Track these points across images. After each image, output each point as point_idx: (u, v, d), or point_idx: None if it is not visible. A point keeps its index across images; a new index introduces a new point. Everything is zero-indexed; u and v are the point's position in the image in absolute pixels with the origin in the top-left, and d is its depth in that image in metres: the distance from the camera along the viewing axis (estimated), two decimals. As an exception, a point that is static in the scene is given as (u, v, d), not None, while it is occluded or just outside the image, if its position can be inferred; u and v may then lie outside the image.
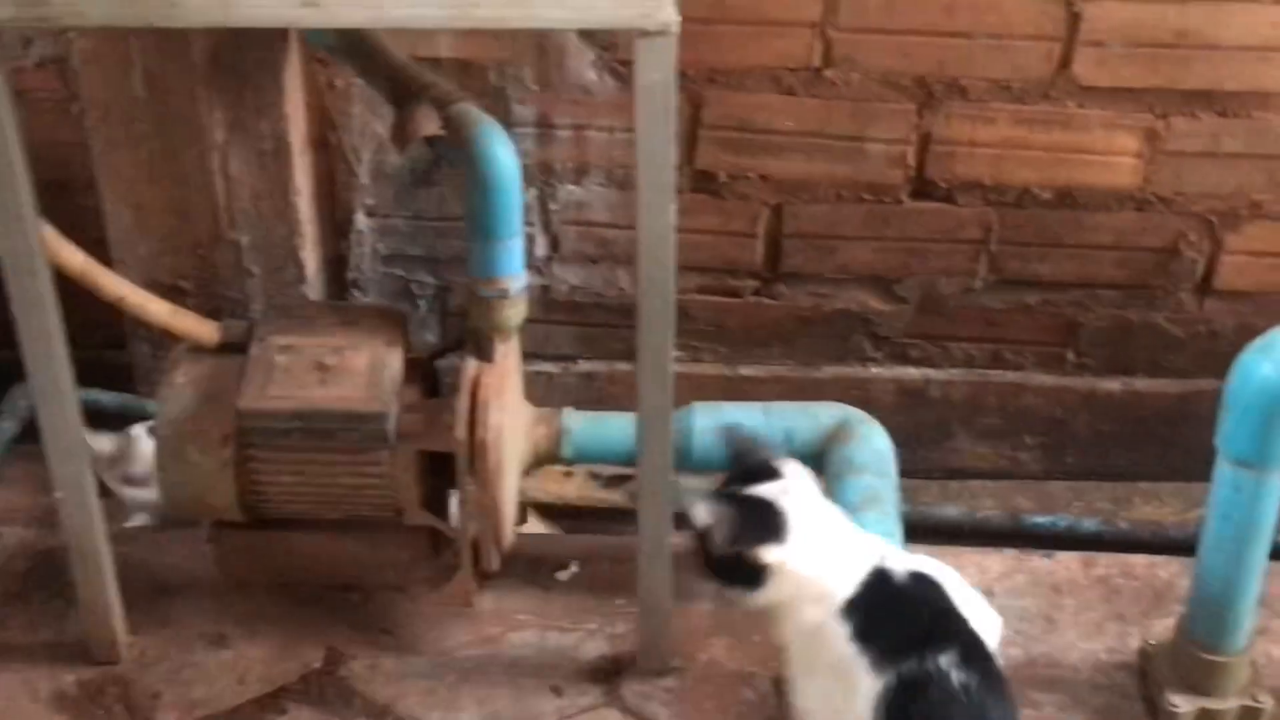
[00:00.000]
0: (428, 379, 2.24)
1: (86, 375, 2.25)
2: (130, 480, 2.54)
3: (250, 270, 2.45)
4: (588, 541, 2.47)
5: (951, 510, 2.57)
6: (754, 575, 1.76)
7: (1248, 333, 2.46)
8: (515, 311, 2.13)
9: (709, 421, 2.21)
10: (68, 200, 2.20)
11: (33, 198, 1.82)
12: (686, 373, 2.55)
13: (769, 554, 1.74)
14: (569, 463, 2.30)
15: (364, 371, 2.13)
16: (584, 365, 2.64)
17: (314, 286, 2.49)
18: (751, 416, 2.23)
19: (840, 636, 1.74)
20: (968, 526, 2.53)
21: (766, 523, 1.75)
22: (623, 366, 2.61)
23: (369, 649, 2.27)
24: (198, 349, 2.19)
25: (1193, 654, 2.14)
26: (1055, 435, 2.65)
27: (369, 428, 2.10)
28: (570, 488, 2.65)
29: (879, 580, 1.77)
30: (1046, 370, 2.61)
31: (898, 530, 2.10)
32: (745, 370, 2.62)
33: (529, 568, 2.39)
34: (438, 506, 2.24)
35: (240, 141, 2.33)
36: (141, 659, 2.25)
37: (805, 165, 2.43)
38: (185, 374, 2.17)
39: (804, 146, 2.41)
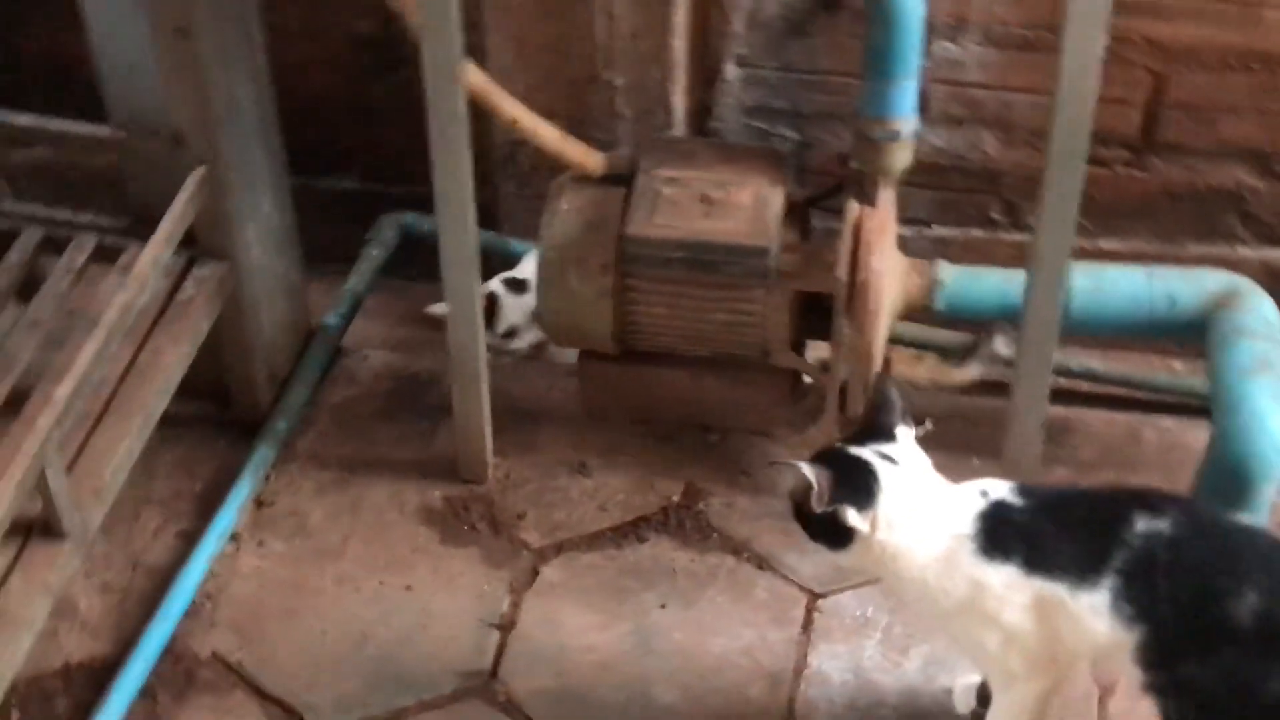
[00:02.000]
0: (803, 222, 2.24)
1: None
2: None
3: (621, 113, 2.48)
4: (946, 402, 2.45)
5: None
6: (841, 536, 1.74)
7: None
8: (903, 155, 2.12)
9: (1089, 282, 2.17)
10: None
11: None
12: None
13: (853, 518, 1.72)
14: (939, 315, 2.27)
15: (748, 206, 2.14)
16: (938, 230, 2.61)
17: (679, 133, 2.51)
18: (1133, 278, 2.20)
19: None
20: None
21: (858, 486, 1.73)
22: (977, 233, 2.58)
23: (726, 488, 2.30)
24: (581, 178, 2.23)
25: None
26: None
27: (752, 262, 2.12)
28: (921, 370, 2.63)
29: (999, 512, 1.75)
30: None
31: (1285, 394, 2.04)
32: (1105, 244, 2.56)
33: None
34: (800, 352, 2.26)
35: (628, -21, 2.35)
36: (506, 480, 2.31)
37: (1194, 30, 2.35)
38: (569, 201, 2.21)
39: (1194, 10, 2.34)
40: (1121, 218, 2.54)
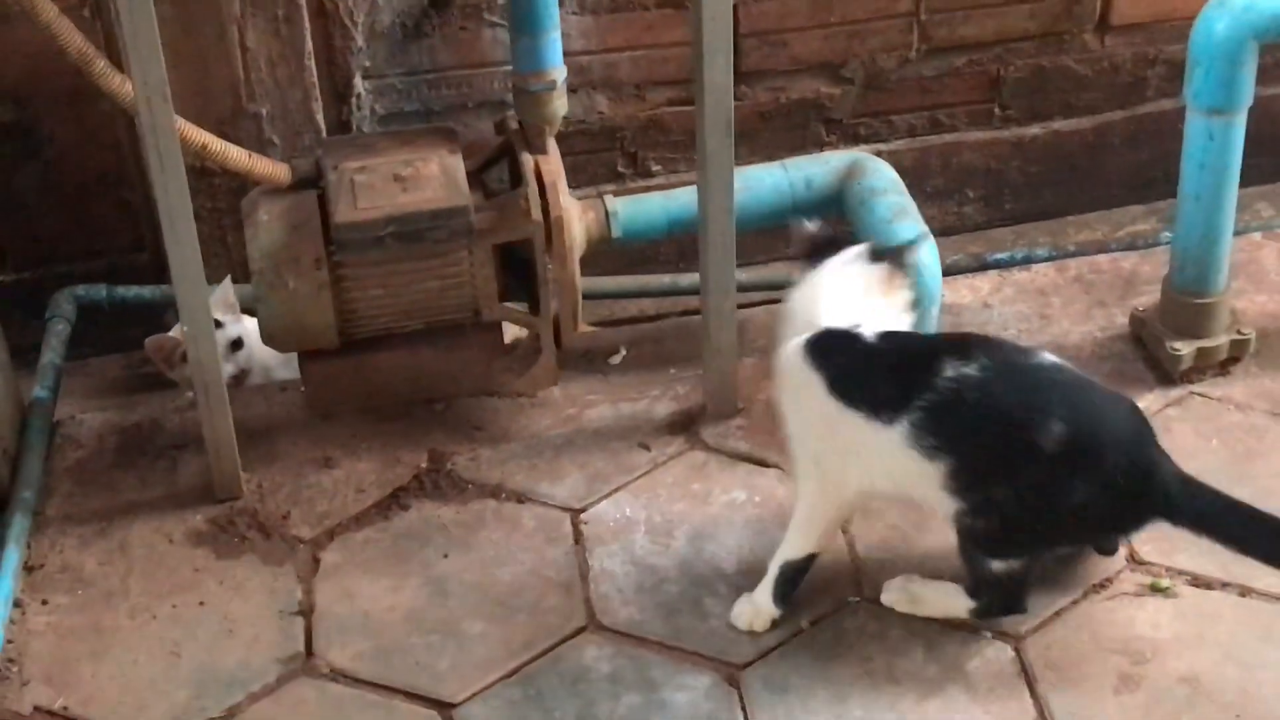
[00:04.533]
0: (485, 186, 2.45)
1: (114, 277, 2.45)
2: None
3: (271, 139, 2.63)
4: (629, 330, 2.71)
5: (923, 260, 2.88)
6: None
7: (1144, 62, 2.85)
8: (562, 102, 2.37)
9: (740, 183, 2.45)
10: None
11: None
12: (667, 184, 2.80)
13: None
14: (619, 244, 2.52)
15: (438, 176, 2.34)
16: (575, 194, 2.86)
17: (326, 151, 2.67)
18: (772, 171, 2.51)
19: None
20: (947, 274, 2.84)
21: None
22: (609, 188, 2.85)
23: (467, 445, 2.48)
24: (272, 191, 2.37)
25: (1182, 302, 2.49)
26: (992, 186, 2.99)
27: (456, 222, 2.32)
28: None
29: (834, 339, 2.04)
30: (978, 127, 2.94)
31: (929, 234, 2.39)
32: (718, 172, 2.88)
33: (582, 361, 2.62)
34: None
35: (256, 12, 2.51)
36: (261, 490, 2.42)
37: (756, -37, 2.71)
38: (268, 211, 2.35)
39: (754, -53, 2.69)
40: (727, 144, 2.87)
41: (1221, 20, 2.27)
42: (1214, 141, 2.34)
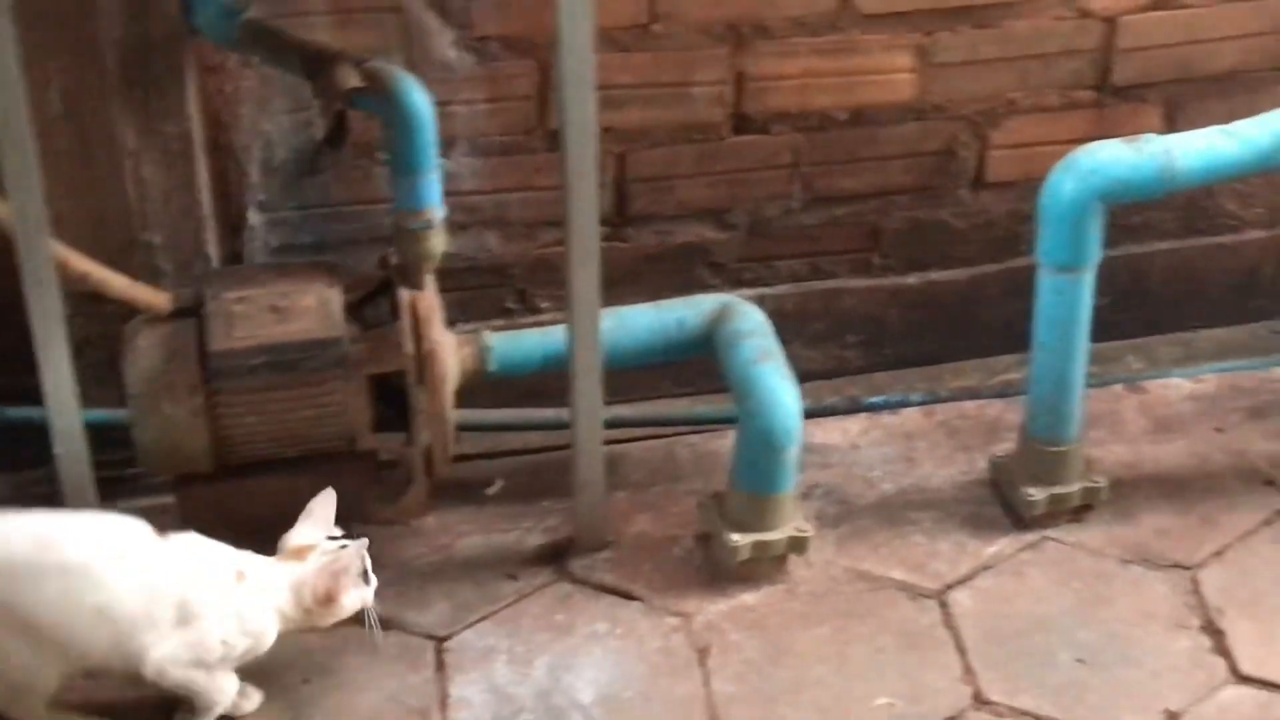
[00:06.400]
0: (362, 319, 2.52)
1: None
2: None
3: (163, 269, 2.69)
4: (508, 462, 2.78)
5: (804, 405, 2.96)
6: None
7: (1017, 218, 2.96)
8: (439, 240, 2.45)
9: (612, 322, 2.54)
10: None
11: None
12: (555, 320, 2.88)
13: None
14: (494, 378, 2.59)
15: (314, 307, 2.41)
16: (464, 328, 2.94)
17: (218, 280, 2.74)
18: (646, 312, 2.60)
19: None
20: (819, 414, 2.92)
21: None
22: (499, 323, 2.93)
23: (337, 571, 2.53)
24: (152, 319, 2.44)
25: (1037, 449, 2.57)
26: (872, 331, 3.08)
27: (328, 352, 2.38)
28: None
29: None
30: (858, 275, 3.03)
31: (792, 376, 2.47)
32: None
33: (459, 491, 2.68)
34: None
35: (150, 146, 2.59)
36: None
37: (641, 114, 2.81)
38: (146, 339, 2.42)
39: (639, 97, 2.79)
40: (613, 285, 2.93)
41: (1068, 182, 2.38)
42: (1062, 297, 2.44)
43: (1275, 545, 2.55)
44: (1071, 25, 2.86)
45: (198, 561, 2.24)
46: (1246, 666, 2.35)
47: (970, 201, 3.00)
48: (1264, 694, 2.31)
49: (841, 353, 3.09)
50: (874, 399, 2.96)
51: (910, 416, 2.84)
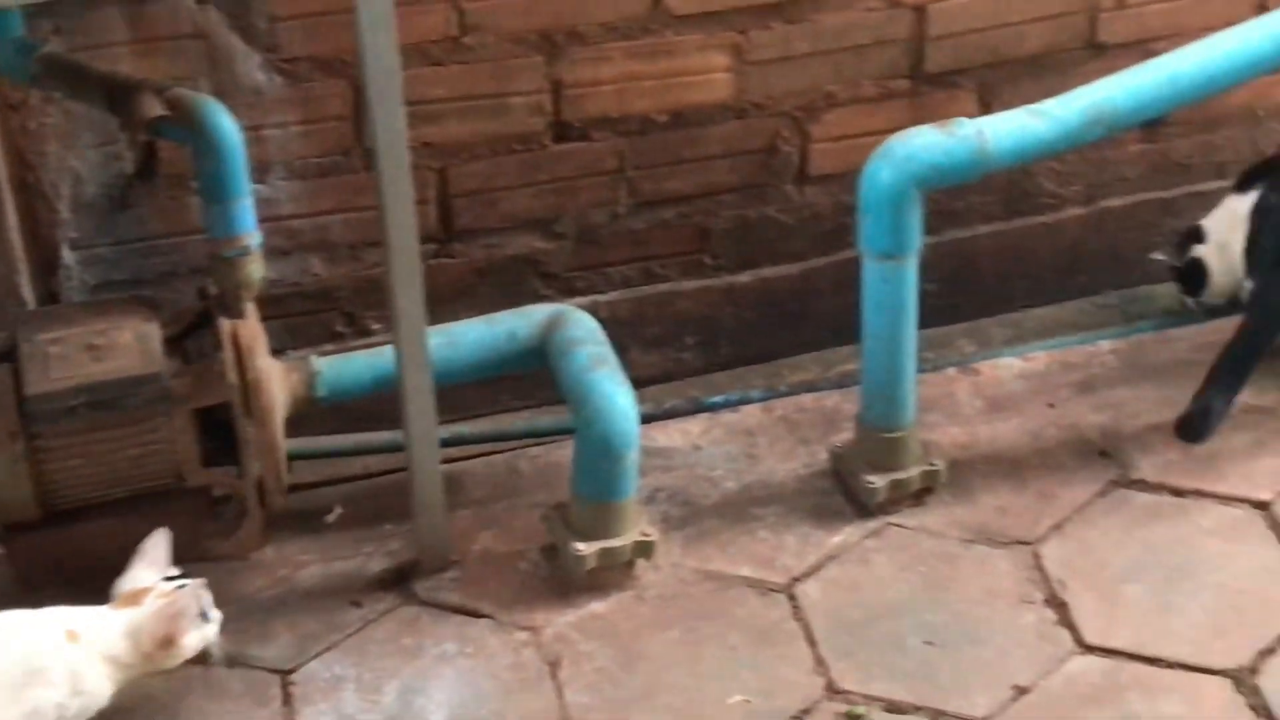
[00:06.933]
0: (184, 353, 2.47)
1: None
2: None
3: (-26, 313, 2.62)
4: (344, 487, 2.73)
5: (643, 409, 2.95)
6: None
7: (843, 210, 2.98)
8: (257, 267, 2.40)
9: (443, 339, 2.51)
10: None
11: None
12: (387, 340, 2.84)
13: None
14: (326, 403, 2.55)
15: (132, 344, 2.36)
16: (294, 355, 2.89)
17: (35, 323, 2.67)
18: (477, 326, 2.57)
19: None
20: (659, 417, 2.91)
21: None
22: (329, 348, 2.88)
23: (175, 611, 2.47)
24: (-37, 367, 2.37)
25: (874, 437, 2.59)
26: (708, 332, 3.08)
27: (149, 388, 2.33)
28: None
29: None
30: (691, 276, 3.03)
31: (627, 381, 2.46)
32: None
33: (297, 521, 2.63)
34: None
35: (-46, 187, 2.52)
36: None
37: (460, 127, 2.78)
38: (-41, 388, 2.34)
39: (457, 111, 2.77)
40: (445, 302, 2.91)
41: (885, 171, 2.39)
42: (888, 284, 2.45)
43: (1112, 516, 2.58)
44: (882, 16, 2.88)
45: (24, 634, 2.15)
46: (1091, 636, 2.38)
47: (796, 196, 3.01)
48: (1109, 662, 2.34)
49: (679, 355, 3.09)
50: (713, 398, 2.95)
51: (750, 413, 2.84)
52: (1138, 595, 2.44)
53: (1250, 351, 2.64)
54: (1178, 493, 2.62)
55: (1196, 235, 2.92)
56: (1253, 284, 2.77)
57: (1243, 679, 2.30)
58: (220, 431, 2.45)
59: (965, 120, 2.44)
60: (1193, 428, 2.61)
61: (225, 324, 2.39)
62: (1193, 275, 2.93)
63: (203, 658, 2.26)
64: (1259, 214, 2.79)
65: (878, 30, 2.89)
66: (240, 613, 2.45)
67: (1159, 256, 3.00)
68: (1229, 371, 2.62)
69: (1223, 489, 2.62)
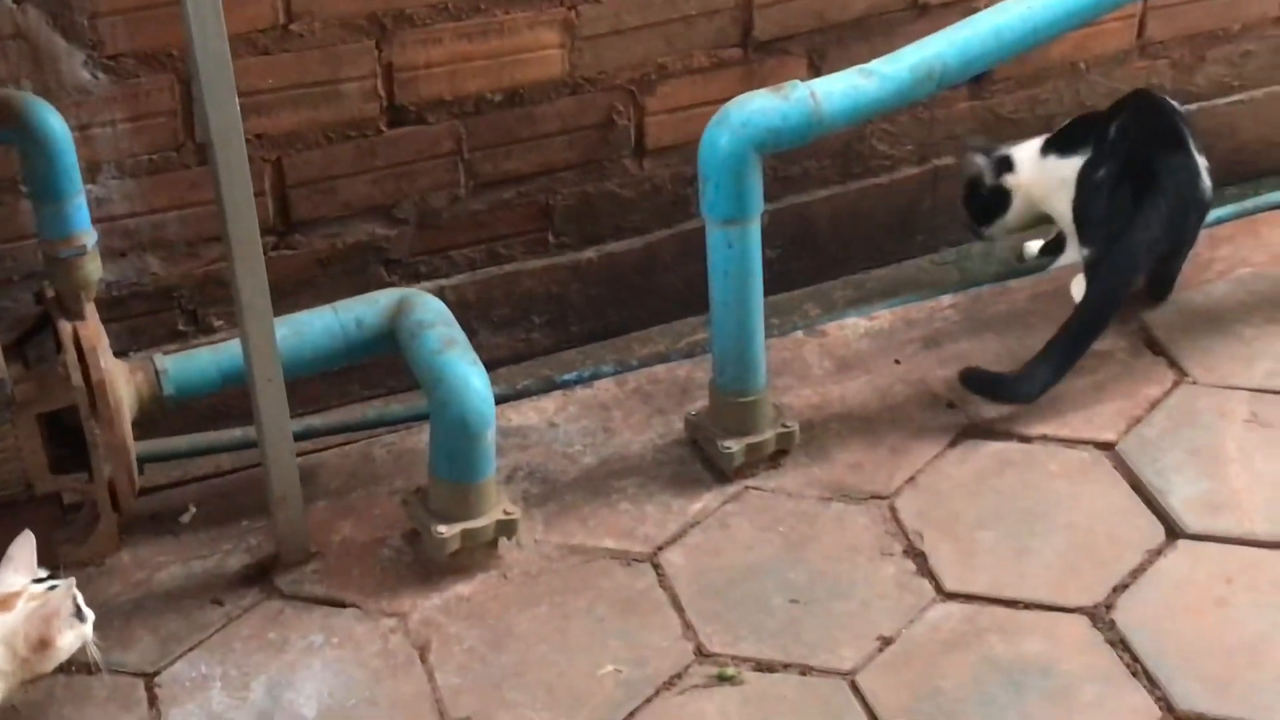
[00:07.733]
0: (24, 359, 2.41)
1: None
2: None
3: None
4: (196, 487, 2.69)
5: (497, 390, 2.94)
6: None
7: (681, 181, 3.00)
8: (95, 266, 2.36)
9: (287, 330, 2.48)
10: None
11: None
12: (231, 336, 2.80)
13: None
14: (174, 402, 2.50)
15: (-38, 355, 2.30)
16: (136, 356, 2.84)
17: None
18: (322, 315, 2.54)
19: None
20: (513, 397, 2.91)
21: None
22: (172, 348, 2.83)
23: (31, 623, 2.41)
24: None
25: (728, 402, 2.61)
26: (556, 310, 3.08)
27: (-10, 396, 2.27)
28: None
29: None
30: (535, 255, 3.03)
31: (479, 361, 2.46)
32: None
33: (152, 523, 2.59)
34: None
35: None
36: None
37: (293, 116, 2.75)
38: None
39: (288, 100, 2.73)
40: (288, 294, 2.88)
41: (723, 136, 2.42)
42: (733, 249, 2.47)
43: (962, 465, 2.64)
44: (709, -14, 2.91)
45: None
46: (950, 584, 2.43)
47: (635, 170, 3.03)
48: (969, 607, 2.39)
49: (528, 335, 3.09)
50: (566, 376, 2.95)
51: (604, 388, 2.85)
52: (993, 541, 2.49)
53: (1087, 330, 2.70)
54: (1025, 439, 2.68)
55: (1007, 164, 2.98)
56: (1087, 252, 2.82)
57: (1099, 615, 2.36)
58: (67, 437, 2.40)
59: (798, 83, 2.47)
60: (1017, 392, 2.67)
61: (65, 326, 2.34)
62: (995, 201, 2.98)
63: (86, 667, 2.22)
64: (1085, 184, 2.83)
65: (705, 1, 2.91)
66: (100, 619, 2.38)
67: (974, 148, 3.04)
68: (1064, 347, 2.68)
69: (1067, 433, 2.68)
